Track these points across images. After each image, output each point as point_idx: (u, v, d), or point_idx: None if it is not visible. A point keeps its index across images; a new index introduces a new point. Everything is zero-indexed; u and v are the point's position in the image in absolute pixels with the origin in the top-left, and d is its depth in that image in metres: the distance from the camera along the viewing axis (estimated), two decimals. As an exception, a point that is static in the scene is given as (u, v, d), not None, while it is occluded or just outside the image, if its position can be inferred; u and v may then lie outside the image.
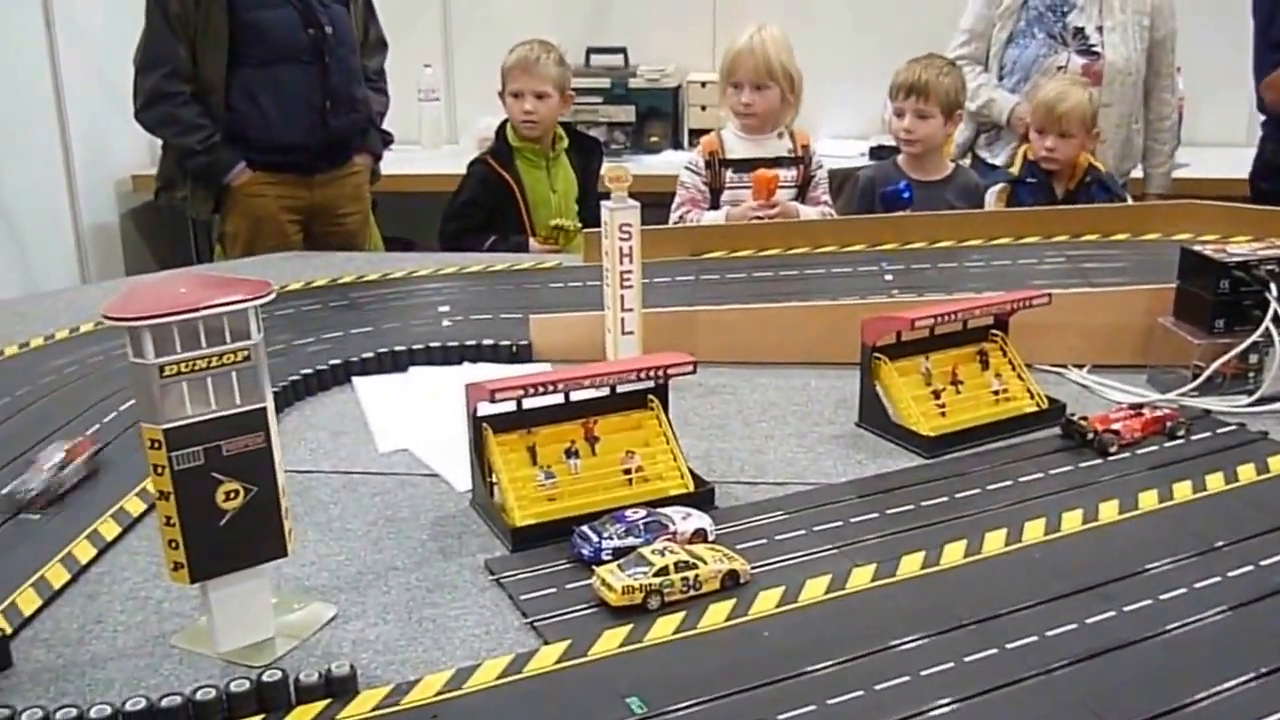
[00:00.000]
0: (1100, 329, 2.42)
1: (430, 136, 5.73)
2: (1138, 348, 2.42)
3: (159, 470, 1.34)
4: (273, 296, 1.36)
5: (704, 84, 5.48)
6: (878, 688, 1.36)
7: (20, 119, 4.67)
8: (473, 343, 2.49)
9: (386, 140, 4.35)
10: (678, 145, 5.61)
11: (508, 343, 2.48)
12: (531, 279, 3.02)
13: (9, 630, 1.49)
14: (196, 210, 4.07)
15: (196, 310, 1.29)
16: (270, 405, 1.38)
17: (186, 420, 1.33)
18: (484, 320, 2.66)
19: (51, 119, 4.83)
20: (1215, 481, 1.88)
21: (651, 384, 1.85)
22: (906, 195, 3.61)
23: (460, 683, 1.37)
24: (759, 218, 3.45)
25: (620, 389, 1.85)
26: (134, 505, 1.84)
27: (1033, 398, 2.16)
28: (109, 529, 1.77)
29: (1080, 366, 2.42)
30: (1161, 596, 1.54)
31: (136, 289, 1.34)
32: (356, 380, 2.37)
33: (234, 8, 3.80)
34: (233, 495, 1.37)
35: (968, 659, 1.41)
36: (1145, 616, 1.49)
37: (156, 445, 1.32)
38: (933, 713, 1.31)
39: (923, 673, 1.38)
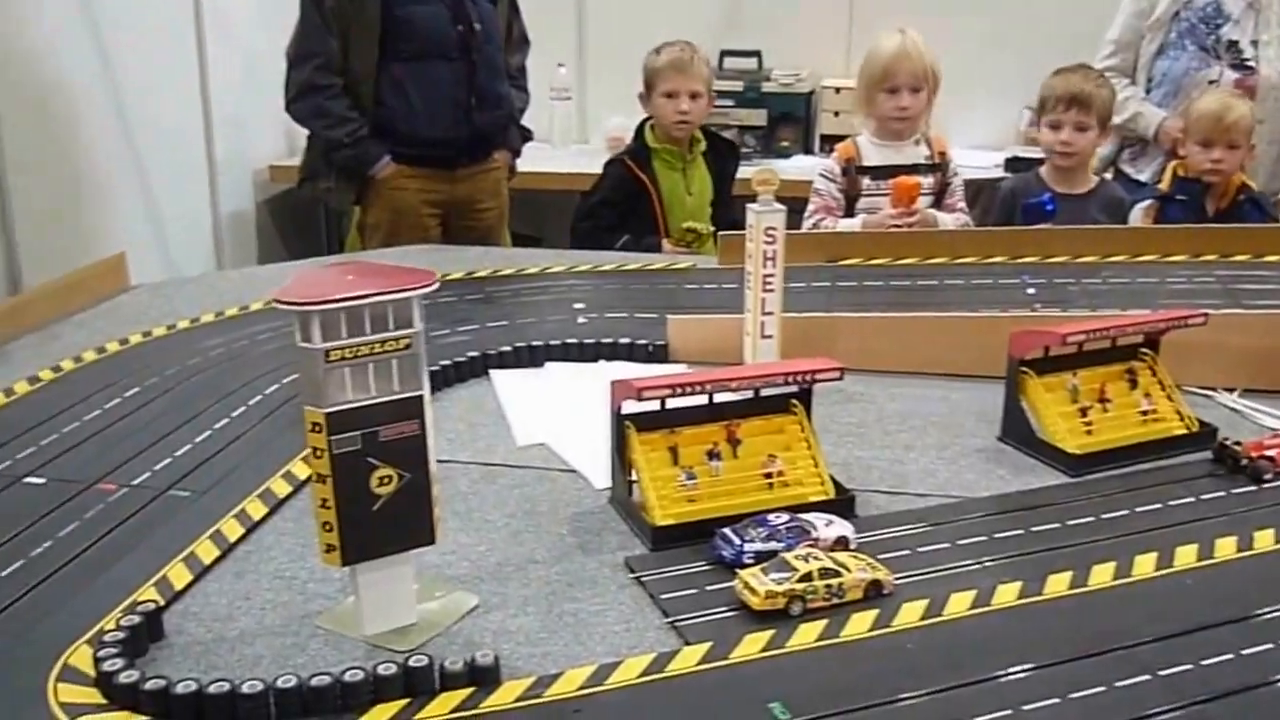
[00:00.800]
0: (1254, 351, 2.35)
1: (560, 135, 5.78)
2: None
3: (318, 453, 1.36)
4: (436, 287, 1.38)
5: (838, 90, 5.44)
6: (1026, 708, 1.33)
7: (168, 110, 4.80)
8: (609, 340, 2.50)
9: (526, 136, 4.39)
10: (808, 150, 5.58)
11: (644, 342, 2.48)
12: (666, 280, 3.02)
13: (161, 603, 1.52)
14: (340, 201, 4.15)
15: (364, 298, 1.31)
16: (427, 393, 1.40)
17: (347, 405, 1.34)
18: (619, 319, 2.67)
19: (197, 110, 4.96)
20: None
21: (795, 389, 1.84)
22: (1050, 208, 3.54)
23: (602, 679, 1.37)
24: (897, 226, 3.41)
25: (764, 393, 1.83)
26: (280, 487, 1.87)
27: (1182, 420, 2.10)
28: (256, 509, 1.80)
29: (1231, 390, 2.35)
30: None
31: (305, 275, 1.36)
32: (494, 373, 2.38)
33: (387, 2, 3.87)
34: (386, 480, 1.39)
35: (1119, 684, 1.37)
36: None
37: (317, 429, 1.34)
38: (1077, 739, 1.28)
39: (1072, 696, 1.35)
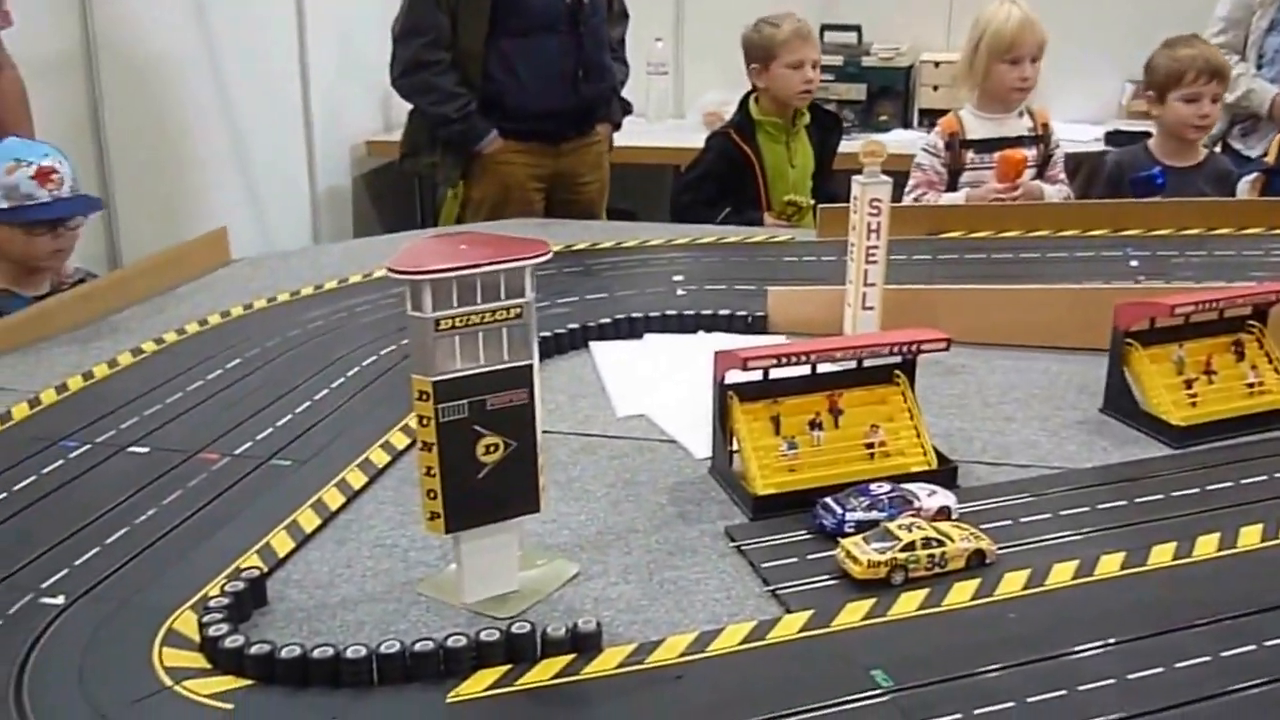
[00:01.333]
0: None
1: (656, 110, 5.78)
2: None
3: (424, 421, 1.38)
4: (549, 256, 1.40)
5: (937, 64, 5.39)
6: (1130, 677, 1.32)
7: (268, 86, 4.89)
8: (709, 312, 2.51)
9: (626, 109, 4.41)
10: (907, 124, 5.53)
11: (744, 313, 2.49)
12: (765, 252, 3.03)
13: (264, 569, 1.56)
14: (447, 178, 4.19)
15: (477, 267, 1.33)
16: (536, 362, 1.42)
17: (455, 373, 1.37)
18: (718, 290, 2.68)
19: (295, 86, 5.05)
20: None
21: (899, 359, 1.84)
22: (1160, 181, 3.48)
23: (704, 645, 1.39)
24: (1002, 200, 3.38)
25: (867, 363, 1.84)
26: (379, 456, 1.91)
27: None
28: (356, 478, 1.84)
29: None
30: None
31: (417, 245, 1.39)
32: (593, 345, 2.41)
33: None
34: (493, 449, 1.41)
35: (1224, 654, 1.36)
36: None
37: (425, 397, 1.37)
38: (1188, 707, 1.27)
39: (1177, 665, 1.34)
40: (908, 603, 1.47)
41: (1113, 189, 3.70)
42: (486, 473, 1.43)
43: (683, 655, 1.38)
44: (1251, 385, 2.07)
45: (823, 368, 1.81)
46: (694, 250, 3.04)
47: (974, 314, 2.41)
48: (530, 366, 1.41)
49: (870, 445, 1.79)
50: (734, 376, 1.76)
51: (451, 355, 1.36)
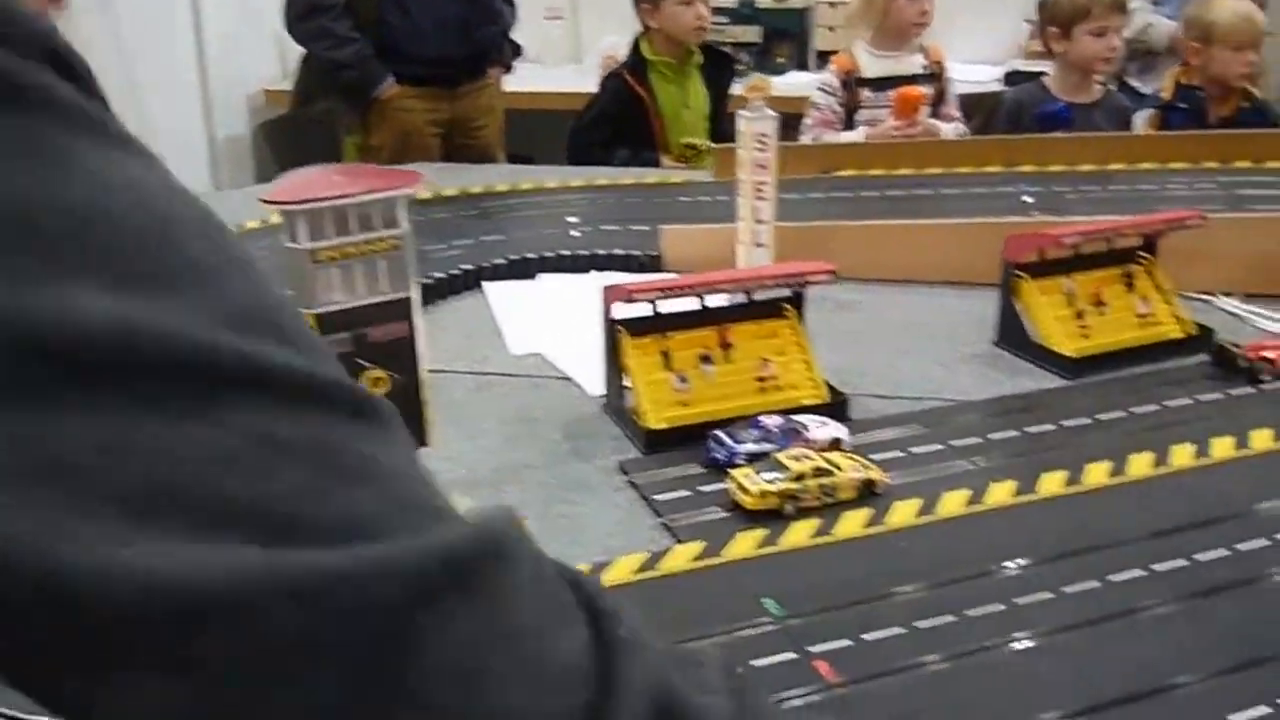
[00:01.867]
0: (1254, 256, 2.33)
1: (554, 55, 5.72)
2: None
3: (307, 356, 1.34)
4: (420, 186, 1.36)
5: (833, 3, 5.37)
6: (1018, 601, 1.33)
7: (159, 33, 4.75)
8: (603, 252, 2.49)
9: (516, 51, 4.35)
10: (803, 66, 5.52)
11: (638, 253, 2.47)
12: (660, 193, 3.00)
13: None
14: (343, 124, 4.12)
15: (350, 197, 1.30)
16: (416, 295, 1.39)
17: (337, 306, 1.34)
18: (613, 231, 2.65)
19: (189, 33, 4.90)
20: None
21: (788, 292, 1.82)
22: (1066, 116, 3.51)
23: (597, 577, 1.37)
24: (899, 138, 3.38)
25: (756, 297, 1.82)
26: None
27: (1180, 323, 2.09)
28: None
29: (1230, 295, 2.34)
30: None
31: (293, 178, 1.36)
32: (487, 285, 2.37)
33: None
34: (378, 383, 1.38)
35: (1111, 578, 1.37)
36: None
37: (306, 330, 1.33)
38: (1076, 630, 1.28)
39: (1065, 590, 1.35)
40: (799, 532, 1.46)
41: (1011, 126, 3.72)
42: (372, 408, 1.38)
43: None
44: (1142, 316, 2.09)
45: (712, 302, 1.80)
46: (589, 192, 3.00)
47: (868, 250, 2.41)
48: (409, 300, 1.38)
49: (761, 379, 1.78)
50: (622, 311, 1.74)
51: (330, 287, 1.33)
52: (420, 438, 1.45)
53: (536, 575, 0.53)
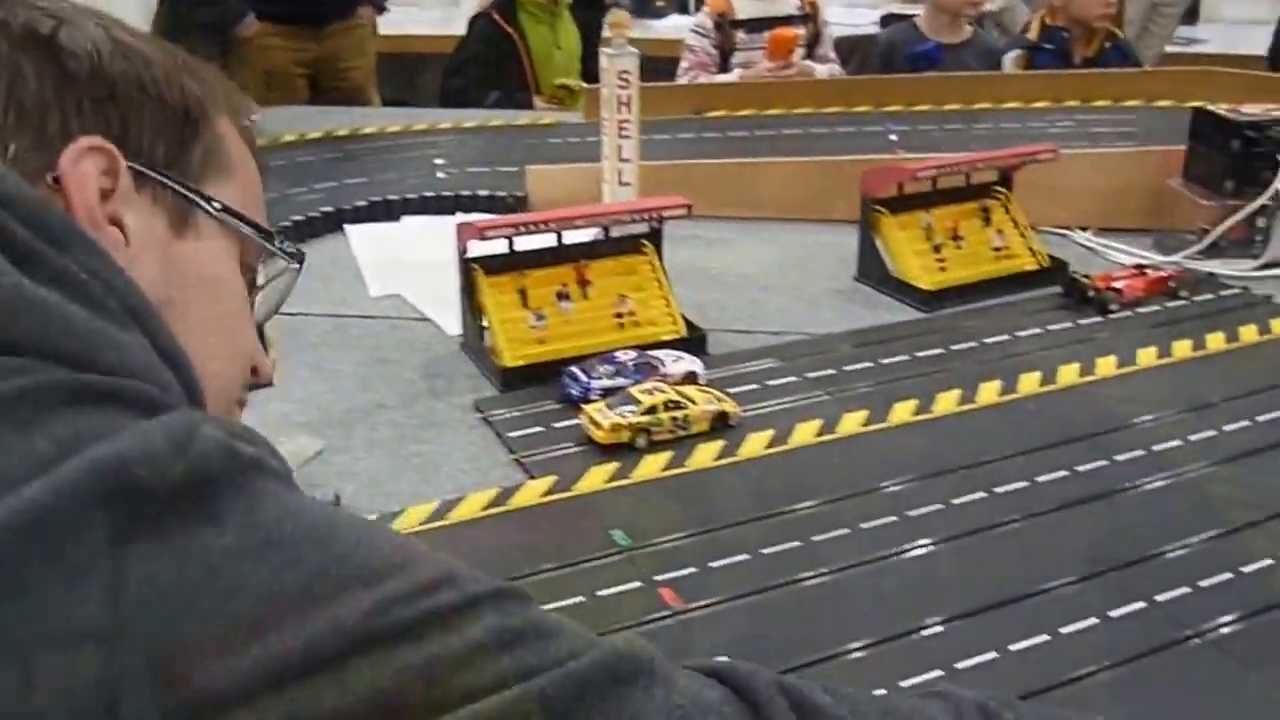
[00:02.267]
0: (1107, 191, 2.38)
1: (431, -3, 5.64)
2: (1145, 211, 2.38)
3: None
4: (257, 117, 1.32)
5: (713, -54, 5.34)
6: (864, 526, 1.35)
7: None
8: (468, 193, 2.46)
9: (389, -11, 4.27)
10: (683, 9, 5.51)
11: (504, 193, 2.45)
12: (530, 135, 2.97)
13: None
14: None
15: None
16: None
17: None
18: (480, 173, 2.62)
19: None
20: (1215, 341, 1.86)
21: (645, 228, 1.82)
22: (936, 55, 3.54)
23: (444, 513, 1.36)
24: (773, 78, 3.38)
25: (614, 233, 1.82)
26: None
27: (1034, 256, 2.12)
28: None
29: (1085, 229, 2.38)
30: (1154, 448, 1.53)
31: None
32: (348, 227, 2.34)
33: None
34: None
35: (955, 501, 1.40)
36: (1137, 466, 1.48)
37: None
38: (917, 551, 1.30)
39: (909, 513, 1.37)
40: (651, 465, 1.47)
41: (884, 67, 3.75)
42: (210, 348, 1.35)
43: (424, 524, 1.35)
44: (998, 249, 2.13)
45: (570, 239, 1.78)
46: (457, 134, 2.97)
47: (735, 187, 2.41)
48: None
49: (619, 315, 1.78)
50: (477, 249, 1.72)
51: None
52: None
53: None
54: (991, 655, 1.12)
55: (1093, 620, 1.17)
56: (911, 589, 1.24)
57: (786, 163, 2.50)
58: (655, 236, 1.84)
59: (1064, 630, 1.16)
